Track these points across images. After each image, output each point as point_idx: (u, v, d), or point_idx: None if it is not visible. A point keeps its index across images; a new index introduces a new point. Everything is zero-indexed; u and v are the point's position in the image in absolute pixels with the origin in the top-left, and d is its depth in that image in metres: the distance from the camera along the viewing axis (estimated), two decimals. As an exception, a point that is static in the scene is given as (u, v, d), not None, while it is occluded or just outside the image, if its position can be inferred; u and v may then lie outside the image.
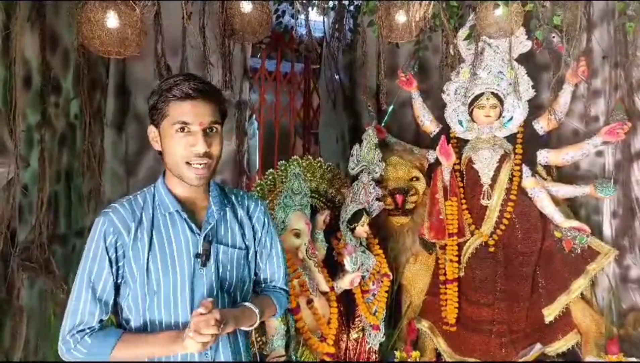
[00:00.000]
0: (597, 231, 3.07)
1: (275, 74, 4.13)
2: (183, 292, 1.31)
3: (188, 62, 2.73)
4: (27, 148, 2.17)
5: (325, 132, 3.76)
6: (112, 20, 1.94)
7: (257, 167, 4.11)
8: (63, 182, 2.47)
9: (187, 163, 1.29)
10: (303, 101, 4.35)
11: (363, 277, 2.71)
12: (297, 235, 2.41)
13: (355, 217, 2.69)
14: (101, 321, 1.30)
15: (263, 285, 1.54)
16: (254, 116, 3.80)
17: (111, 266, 1.29)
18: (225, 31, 2.34)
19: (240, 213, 1.45)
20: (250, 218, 1.46)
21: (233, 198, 1.47)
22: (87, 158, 2.47)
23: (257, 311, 1.39)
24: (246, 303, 1.40)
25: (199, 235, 1.34)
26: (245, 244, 1.43)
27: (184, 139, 1.28)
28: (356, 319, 2.72)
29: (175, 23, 2.64)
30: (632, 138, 2.99)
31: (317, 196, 2.76)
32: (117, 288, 1.32)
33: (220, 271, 1.36)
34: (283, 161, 2.54)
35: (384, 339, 2.81)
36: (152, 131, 1.35)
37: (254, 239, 1.46)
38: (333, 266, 2.68)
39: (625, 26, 2.84)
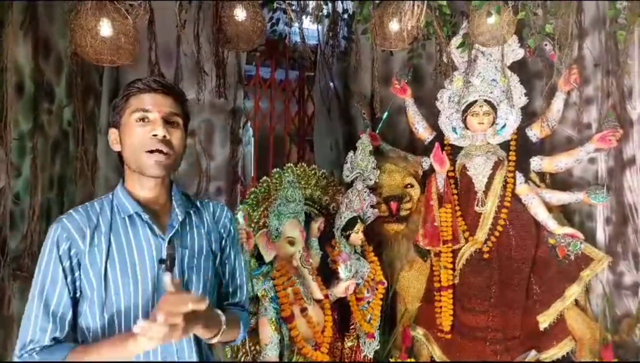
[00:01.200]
0: (590, 238, 3.07)
1: (270, 81, 4.14)
2: (146, 301, 1.21)
3: (182, 70, 2.73)
4: (19, 155, 2.16)
5: (319, 140, 3.76)
6: (105, 28, 1.94)
7: (252, 174, 4.10)
8: (56, 189, 2.45)
9: (147, 151, 1.23)
10: (298, 108, 4.36)
11: (358, 285, 2.70)
12: (292, 243, 2.41)
13: (350, 224, 2.69)
14: (55, 339, 1.18)
15: (224, 303, 1.42)
16: (248, 124, 3.81)
17: (66, 277, 1.19)
18: (219, 39, 2.35)
19: (206, 216, 1.39)
20: (216, 223, 1.40)
21: (198, 203, 1.41)
22: (80, 165, 2.45)
23: (223, 320, 1.27)
24: (215, 309, 1.28)
25: (162, 239, 1.26)
26: (211, 249, 1.36)
27: (143, 128, 1.24)
28: (351, 327, 2.71)
29: (170, 31, 2.65)
30: (624, 145, 3.00)
31: (311, 203, 2.76)
32: (75, 302, 1.21)
33: (186, 278, 1.27)
34: (277, 169, 2.54)
35: (378, 347, 2.80)
36: (112, 132, 1.30)
37: (220, 246, 1.39)
38: (327, 274, 2.67)
39: (616, 34, 2.87)
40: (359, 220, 2.70)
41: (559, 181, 3.24)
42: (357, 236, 2.70)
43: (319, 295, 2.52)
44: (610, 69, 3.03)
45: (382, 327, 2.89)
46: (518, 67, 3.13)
